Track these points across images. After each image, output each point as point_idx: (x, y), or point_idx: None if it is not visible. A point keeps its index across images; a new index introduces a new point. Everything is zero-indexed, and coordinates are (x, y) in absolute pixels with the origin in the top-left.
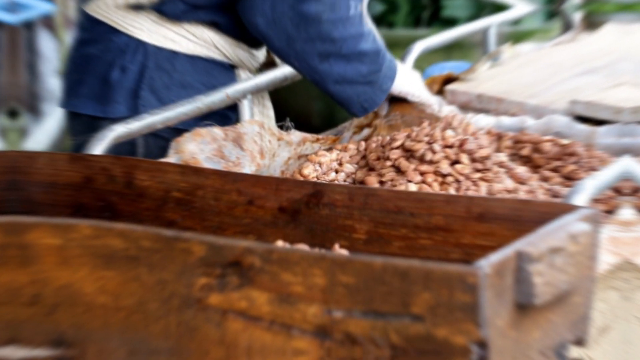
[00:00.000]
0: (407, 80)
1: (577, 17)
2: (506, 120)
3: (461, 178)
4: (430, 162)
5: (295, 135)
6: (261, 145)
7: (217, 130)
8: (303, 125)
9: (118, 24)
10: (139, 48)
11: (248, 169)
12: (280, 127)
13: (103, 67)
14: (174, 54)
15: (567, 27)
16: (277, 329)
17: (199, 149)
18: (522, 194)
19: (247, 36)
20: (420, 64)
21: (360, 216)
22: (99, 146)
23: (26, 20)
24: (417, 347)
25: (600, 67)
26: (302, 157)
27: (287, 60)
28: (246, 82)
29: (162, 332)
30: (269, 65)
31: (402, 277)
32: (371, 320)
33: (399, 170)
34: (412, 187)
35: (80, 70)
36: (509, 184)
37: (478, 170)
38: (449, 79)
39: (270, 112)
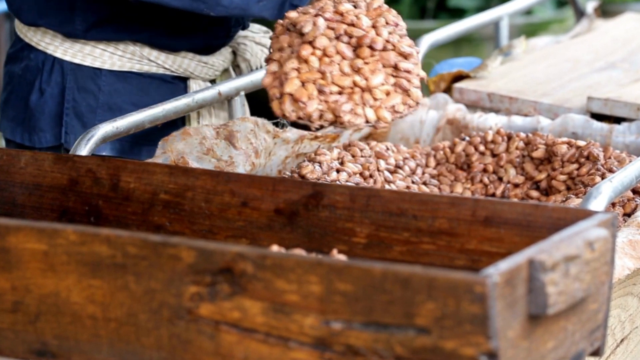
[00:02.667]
0: None
1: (590, 5)
2: (518, 120)
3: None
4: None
5: (292, 132)
6: (256, 144)
7: (207, 129)
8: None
9: (32, 40)
10: (55, 67)
11: (242, 168)
12: (276, 125)
13: (24, 89)
14: (97, 71)
15: (579, 15)
16: (273, 341)
17: (188, 148)
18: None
19: (182, 46)
20: (428, 61)
21: (361, 219)
22: (85, 147)
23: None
24: (424, 358)
25: (619, 61)
26: (300, 155)
27: (199, 11)
28: (240, 78)
29: (154, 344)
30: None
31: (403, 285)
32: (373, 333)
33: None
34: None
35: (6, 89)
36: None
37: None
38: (459, 77)
39: (246, 110)
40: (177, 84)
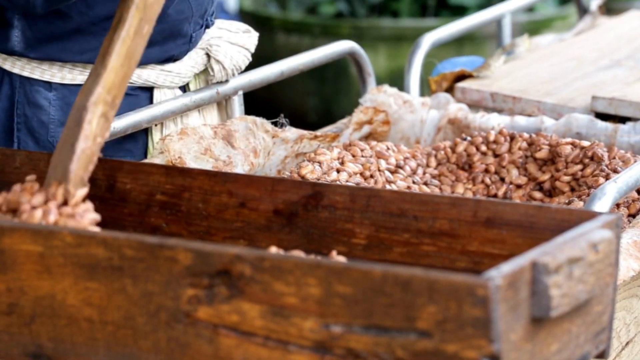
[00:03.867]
0: None
1: (594, 2)
2: (522, 120)
3: None
4: None
5: (291, 132)
6: (254, 143)
7: (205, 128)
8: (298, 121)
9: None
10: (4, 79)
11: (241, 168)
12: (274, 124)
13: None
14: (47, 84)
15: (582, 12)
16: (272, 345)
17: (185, 148)
18: None
19: (146, 58)
20: (430, 60)
21: (361, 219)
22: None
23: None
24: None
25: (624, 58)
26: (300, 155)
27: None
28: (238, 77)
29: (152, 348)
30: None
31: (404, 288)
32: (373, 336)
33: None
34: None
35: None
36: None
37: None
38: (461, 76)
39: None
40: (139, 95)
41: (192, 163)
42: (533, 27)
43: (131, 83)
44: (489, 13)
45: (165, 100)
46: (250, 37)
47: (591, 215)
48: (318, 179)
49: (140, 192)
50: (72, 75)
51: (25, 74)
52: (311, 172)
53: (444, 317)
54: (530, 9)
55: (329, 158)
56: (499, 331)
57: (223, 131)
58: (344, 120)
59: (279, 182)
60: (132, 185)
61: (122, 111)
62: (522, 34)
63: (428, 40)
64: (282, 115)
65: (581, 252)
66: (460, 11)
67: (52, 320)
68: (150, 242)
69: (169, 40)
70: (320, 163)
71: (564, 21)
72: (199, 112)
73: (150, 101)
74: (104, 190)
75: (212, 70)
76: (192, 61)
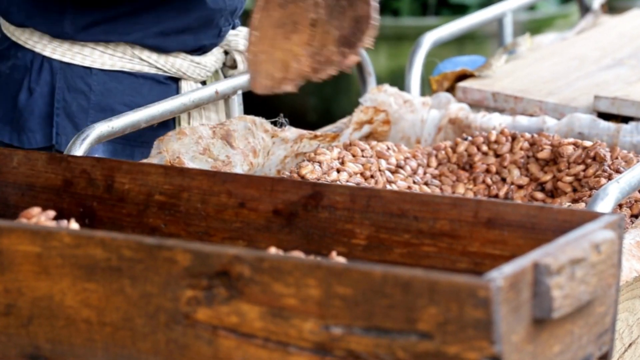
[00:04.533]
0: None
1: (597, 0)
2: (523, 120)
3: None
4: None
5: (291, 132)
6: (253, 143)
7: (203, 128)
8: (298, 121)
9: (19, 39)
10: (44, 65)
11: (240, 168)
12: (274, 124)
13: (12, 88)
14: (87, 70)
15: (584, 10)
16: (272, 346)
17: (184, 148)
18: None
19: (173, 46)
20: (431, 59)
21: (362, 220)
22: (80, 147)
23: None
24: None
25: (626, 57)
26: (299, 155)
27: None
28: (238, 77)
29: (151, 349)
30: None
31: (404, 289)
32: (374, 338)
33: None
34: None
35: None
36: None
37: None
38: (462, 76)
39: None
40: (170, 85)
41: (190, 163)
42: (534, 25)
43: (164, 72)
44: (490, 12)
45: (165, 100)
46: None
47: (593, 216)
48: (318, 179)
49: (138, 192)
50: (112, 61)
51: (66, 59)
52: (311, 172)
53: (445, 319)
54: (531, 8)
55: (329, 158)
56: (501, 333)
57: (222, 131)
58: (344, 120)
59: (278, 182)
60: (130, 185)
61: (156, 100)
62: (523, 33)
63: (429, 40)
64: (281, 114)
65: (583, 253)
66: (461, 10)
67: (49, 321)
68: (148, 242)
69: (202, 30)
70: (320, 163)
71: (565, 20)
72: (224, 101)
73: (177, 92)
74: (102, 190)
75: (235, 62)
76: (214, 57)
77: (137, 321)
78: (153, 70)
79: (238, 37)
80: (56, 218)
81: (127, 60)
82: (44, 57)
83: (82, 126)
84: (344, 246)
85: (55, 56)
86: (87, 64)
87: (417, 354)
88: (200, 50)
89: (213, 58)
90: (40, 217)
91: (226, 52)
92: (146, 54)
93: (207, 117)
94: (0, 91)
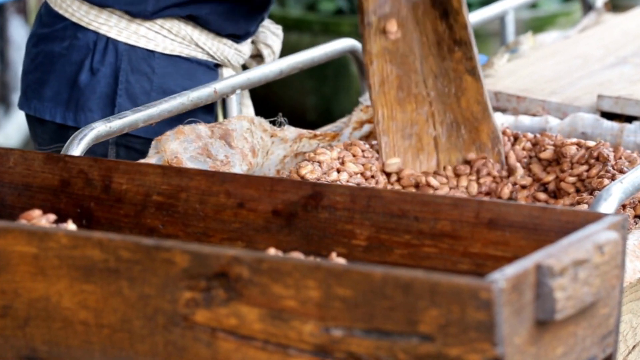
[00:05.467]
0: None
1: None
2: (526, 120)
3: None
4: None
5: (290, 131)
6: (252, 143)
7: (202, 127)
8: (297, 120)
9: (82, 20)
10: (108, 47)
11: (239, 168)
12: (273, 123)
13: (70, 68)
14: (150, 53)
15: (587, 8)
16: (272, 349)
17: (182, 148)
18: None
19: (230, 29)
20: None
21: (362, 220)
22: (78, 147)
23: None
24: None
25: (630, 55)
26: (299, 155)
27: None
28: (237, 76)
29: (149, 352)
30: (255, 57)
31: (405, 291)
32: (375, 340)
33: None
34: None
35: (41, 69)
36: None
37: None
38: None
39: (250, 111)
40: (216, 71)
41: (188, 163)
42: (536, 24)
43: (214, 59)
44: (491, 10)
45: (163, 100)
46: (278, 29)
47: (597, 217)
48: (318, 179)
49: (136, 192)
50: (173, 46)
51: (131, 42)
52: (311, 172)
53: (446, 321)
54: (533, 6)
55: (329, 158)
56: (503, 335)
57: (220, 130)
58: (344, 119)
59: (277, 182)
60: (128, 185)
61: (201, 82)
62: (525, 31)
63: None
64: (280, 114)
65: (586, 254)
66: None
67: (46, 323)
68: (146, 243)
69: (252, 15)
70: (320, 163)
71: (567, 17)
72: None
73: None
74: (100, 190)
75: (262, 55)
76: (248, 46)
77: (135, 323)
78: (205, 57)
79: (264, 27)
80: (56, 222)
81: (185, 46)
82: (108, 38)
83: None
84: (344, 247)
85: (121, 38)
86: (150, 47)
87: (418, 356)
88: (244, 36)
89: (247, 47)
90: (41, 220)
91: (253, 43)
92: (202, 40)
93: (245, 105)
94: (52, 72)
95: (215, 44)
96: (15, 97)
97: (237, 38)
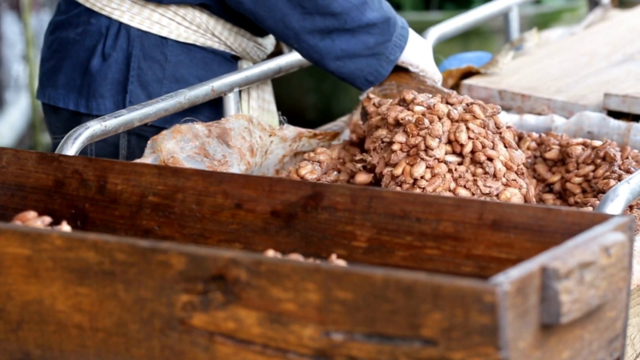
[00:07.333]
0: (415, 49)
1: None
2: (531, 119)
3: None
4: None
5: (290, 130)
6: (251, 142)
7: (199, 126)
8: (296, 119)
9: (94, 5)
10: (120, 32)
11: (237, 168)
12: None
13: (82, 54)
14: (163, 40)
15: (592, 4)
16: (271, 353)
17: (178, 147)
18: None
19: (247, 20)
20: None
21: (363, 221)
22: (73, 145)
23: None
24: None
25: (637, 52)
26: (298, 154)
27: (284, 40)
28: (234, 73)
29: (145, 356)
30: (276, 54)
31: (407, 294)
32: (376, 344)
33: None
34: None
35: (56, 56)
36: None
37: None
38: (468, 73)
39: (272, 107)
40: (234, 63)
41: (185, 163)
42: (541, 20)
43: (231, 50)
44: (495, 6)
45: (160, 98)
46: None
47: (603, 218)
48: (318, 179)
49: (131, 193)
50: (187, 34)
51: (144, 28)
52: (310, 172)
53: (449, 325)
54: (537, 1)
55: (329, 157)
56: (507, 339)
57: (218, 129)
58: (344, 118)
59: (276, 182)
60: (123, 186)
61: (221, 74)
62: (530, 28)
63: (433, 35)
64: (279, 112)
65: (593, 256)
66: (465, 4)
67: (39, 326)
68: (142, 245)
69: None
70: (320, 162)
71: (572, 13)
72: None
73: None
74: (95, 191)
75: (283, 51)
76: (270, 40)
77: (130, 327)
78: (222, 47)
79: None
80: (52, 224)
81: (200, 34)
82: (121, 23)
83: (155, 95)
84: (344, 249)
85: (134, 23)
86: (164, 34)
87: None
88: (264, 32)
89: (269, 41)
90: (37, 222)
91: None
92: (219, 30)
93: (262, 98)
94: (66, 58)
95: (233, 35)
96: (8, 94)
97: (257, 31)
